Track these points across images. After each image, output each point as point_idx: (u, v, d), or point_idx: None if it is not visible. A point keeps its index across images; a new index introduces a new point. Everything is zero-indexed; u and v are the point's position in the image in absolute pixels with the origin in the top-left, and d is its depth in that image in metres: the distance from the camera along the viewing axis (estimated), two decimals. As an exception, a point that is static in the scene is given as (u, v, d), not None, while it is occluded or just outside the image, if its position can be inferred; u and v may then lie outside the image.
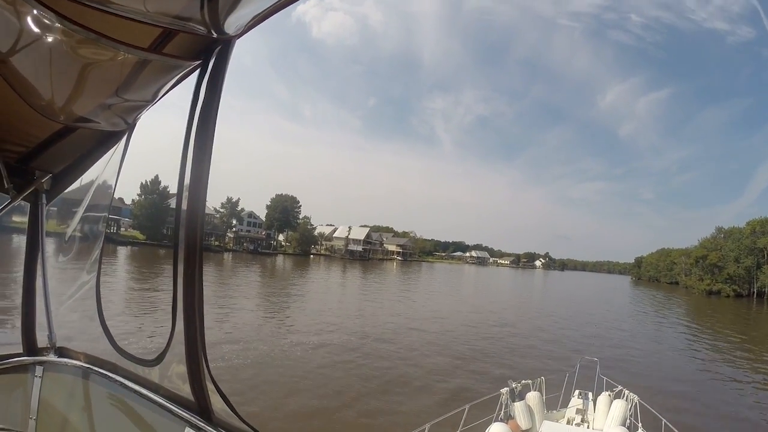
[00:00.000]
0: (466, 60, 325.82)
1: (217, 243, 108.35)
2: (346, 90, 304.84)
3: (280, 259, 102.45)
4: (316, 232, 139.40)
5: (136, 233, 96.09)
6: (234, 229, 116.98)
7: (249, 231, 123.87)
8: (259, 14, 1.59)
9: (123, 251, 67.02)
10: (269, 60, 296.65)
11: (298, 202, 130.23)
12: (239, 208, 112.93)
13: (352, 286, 51.00)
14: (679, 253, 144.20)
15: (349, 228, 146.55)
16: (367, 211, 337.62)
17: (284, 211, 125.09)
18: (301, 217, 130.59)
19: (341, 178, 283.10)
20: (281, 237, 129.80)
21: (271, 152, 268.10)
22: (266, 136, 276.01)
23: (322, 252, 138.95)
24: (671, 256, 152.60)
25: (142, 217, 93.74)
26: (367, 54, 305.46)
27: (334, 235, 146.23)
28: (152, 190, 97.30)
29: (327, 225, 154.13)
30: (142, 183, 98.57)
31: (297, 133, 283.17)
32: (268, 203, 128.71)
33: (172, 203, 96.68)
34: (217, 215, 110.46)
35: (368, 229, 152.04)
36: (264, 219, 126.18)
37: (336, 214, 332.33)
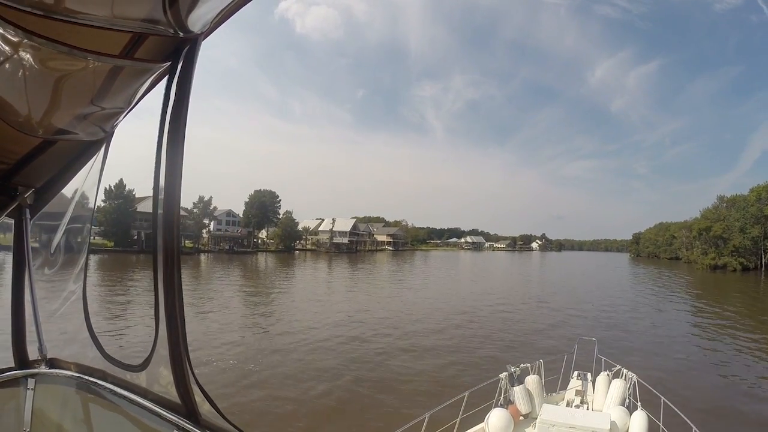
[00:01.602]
0: (453, 45, 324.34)
1: (191, 245, 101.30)
2: (334, 84, 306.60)
3: (257, 257, 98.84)
4: (300, 227, 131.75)
5: (105, 241, 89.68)
6: (209, 228, 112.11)
7: (228, 230, 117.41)
8: (223, 10, 1.60)
9: (91, 260, 60.07)
10: (255, 60, 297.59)
11: (278, 197, 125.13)
12: (212, 207, 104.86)
13: (317, 288, 42.76)
14: (678, 227, 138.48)
15: (333, 220, 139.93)
16: (362, 203, 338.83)
17: (262, 206, 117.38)
18: (282, 212, 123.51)
19: (334, 172, 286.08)
20: (263, 234, 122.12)
21: (263, 152, 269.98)
22: (257, 136, 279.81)
23: (308, 247, 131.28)
24: (670, 230, 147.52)
25: (108, 224, 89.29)
26: (353, 46, 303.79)
27: (319, 229, 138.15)
28: (117, 194, 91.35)
29: (317, 219, 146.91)
30: (105, 188, 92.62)
31: (288, 131, 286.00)
32: (246, 200, 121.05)
33: (140, 207, 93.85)
34: (191, 216, 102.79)
35: (354, 220, 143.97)
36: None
37: (331, 208, 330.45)
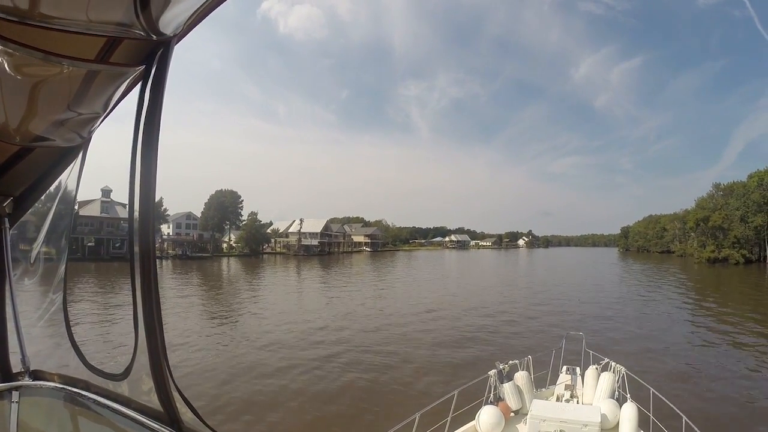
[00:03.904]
0: (436, 43, 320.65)
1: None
2: (318, 84, 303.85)
3: (213, 263, 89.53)
4: (270, 229, 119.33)
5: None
6: (168, 232, 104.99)
7: (189, 233, 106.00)
8: (196, 11, 1.58)
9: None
10: (237, 62, 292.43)
11: (240, 197, 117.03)
12: (162, 208, 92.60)
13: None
14: (669, 219, 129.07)
15: (301, 221, 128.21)
16: (347, 204, 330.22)
17: (221, 208, 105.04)
18: (246, 213, 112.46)
19: (319, 173, 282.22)
20: (227, 237, 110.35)
21: (248, 154, 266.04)
22: (241, 138, 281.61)
23: (278, 250, 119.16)
24: (661, 223, 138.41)
25: (44, 228, 76.23)
26: (336, 46, 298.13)
27: (289, 231, 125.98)
28: (54, 195, 77.52)
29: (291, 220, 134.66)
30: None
31: (272, 132, 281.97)
32: (206, 201, 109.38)
33: (82, 211, 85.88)
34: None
35: (325, 220, 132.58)
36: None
37: (315, 210, 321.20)
